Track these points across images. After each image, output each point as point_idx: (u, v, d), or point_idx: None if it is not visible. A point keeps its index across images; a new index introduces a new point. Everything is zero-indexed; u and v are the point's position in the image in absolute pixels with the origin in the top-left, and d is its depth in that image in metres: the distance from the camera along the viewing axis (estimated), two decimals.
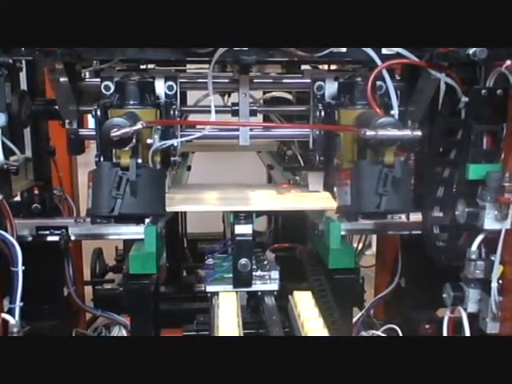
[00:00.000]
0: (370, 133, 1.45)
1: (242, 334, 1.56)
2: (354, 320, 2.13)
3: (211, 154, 3.35)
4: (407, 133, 1.47)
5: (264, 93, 2.30)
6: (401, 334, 2.05)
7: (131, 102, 1.66)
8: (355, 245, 2.55)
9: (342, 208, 1.64)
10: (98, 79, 1.77)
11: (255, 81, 1.93)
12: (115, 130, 1.43)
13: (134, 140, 1.49)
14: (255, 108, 1.89)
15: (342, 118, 1.72)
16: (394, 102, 1.62)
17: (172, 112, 1.74)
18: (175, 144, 1.71)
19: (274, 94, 2.25)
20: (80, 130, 1.84)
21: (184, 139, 1.71)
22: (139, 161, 1.52)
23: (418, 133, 1.48)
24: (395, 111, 1.62)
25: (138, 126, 1.47)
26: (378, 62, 1.56)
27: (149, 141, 1.58)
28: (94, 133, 1.70)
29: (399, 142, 1.51)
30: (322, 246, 2.00)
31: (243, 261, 1.79)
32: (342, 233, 1.93)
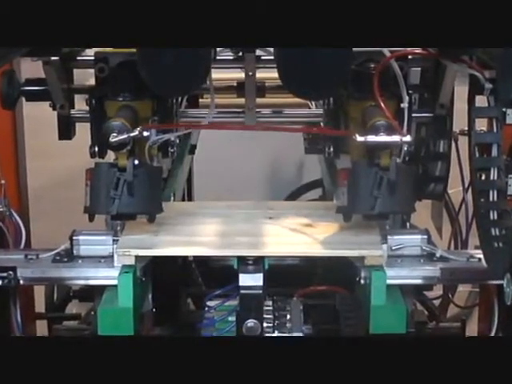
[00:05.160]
0: (360, 138, 1.46)
1: None
2: None
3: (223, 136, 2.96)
4: (396, 139, 1.46)
5: None
6: None
7: (127, 94, 1.62)
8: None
9: (340, 208, 1.62)
10: (92, 57, 1.68)
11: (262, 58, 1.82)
12: (114, 135, 1.44)
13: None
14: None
15: (350, 109, 1.68)
16: (404, 94, 1.60)
17: (170, 101, 1.70)
18: (172, 138, 1.69)
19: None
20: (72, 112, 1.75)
21: (181, 133, 1.70)
22: (136, 162, 1.51)
23: (407, 138, 1.47)
24: (405, 104, 1.60)
25: (135, 132, 1.48)
26: (387, 53, 1.52)
27: (145, 133, 1.54)
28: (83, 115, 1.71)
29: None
30: (364, 298, 1.53)
31: (250, 323, 1.46)
32: (390, 281, 1.49)
